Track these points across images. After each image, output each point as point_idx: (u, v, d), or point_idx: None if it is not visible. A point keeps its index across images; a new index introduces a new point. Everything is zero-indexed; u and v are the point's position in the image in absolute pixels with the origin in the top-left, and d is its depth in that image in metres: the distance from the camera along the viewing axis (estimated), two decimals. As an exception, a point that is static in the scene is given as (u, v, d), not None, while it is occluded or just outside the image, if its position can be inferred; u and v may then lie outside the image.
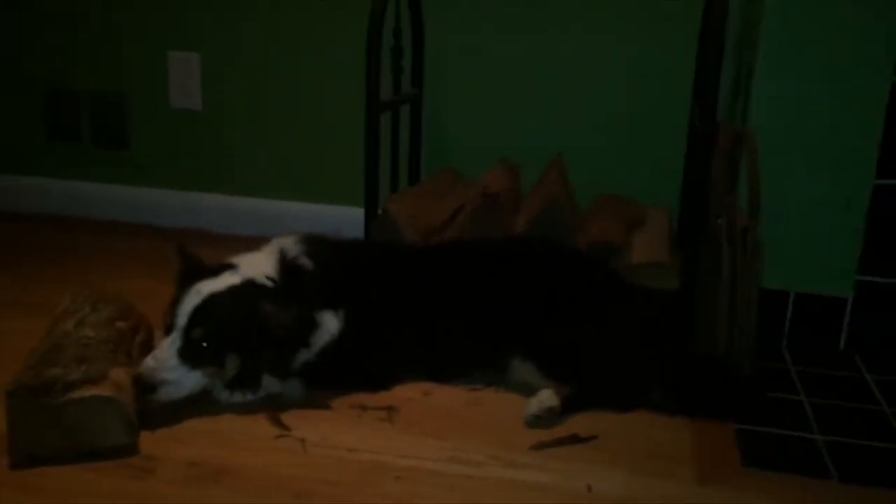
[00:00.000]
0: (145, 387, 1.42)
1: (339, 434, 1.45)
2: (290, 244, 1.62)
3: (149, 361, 1.45)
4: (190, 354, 1.45)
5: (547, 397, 1.51)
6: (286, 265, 1.57)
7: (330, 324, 1.55)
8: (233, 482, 1.31)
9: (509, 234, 1.93)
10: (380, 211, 2.01)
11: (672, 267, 1.83)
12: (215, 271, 1.53)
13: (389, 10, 2.06)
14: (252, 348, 1.49)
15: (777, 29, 1.74)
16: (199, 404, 1.50)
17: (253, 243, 1.69)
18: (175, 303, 1.49)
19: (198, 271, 1.53)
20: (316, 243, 1.65)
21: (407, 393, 1.60)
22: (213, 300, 1.47)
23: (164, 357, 1.44)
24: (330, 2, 2.37)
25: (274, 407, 1.52)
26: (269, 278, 1.53)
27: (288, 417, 1.50)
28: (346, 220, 2.21)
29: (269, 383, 1.54)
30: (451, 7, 2.30)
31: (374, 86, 1.96)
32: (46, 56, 2.60)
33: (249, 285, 1.51)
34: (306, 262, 1.60)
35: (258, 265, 1.56)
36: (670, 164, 2.19)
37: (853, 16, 1.69)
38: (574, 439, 1.46)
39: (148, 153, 2.61)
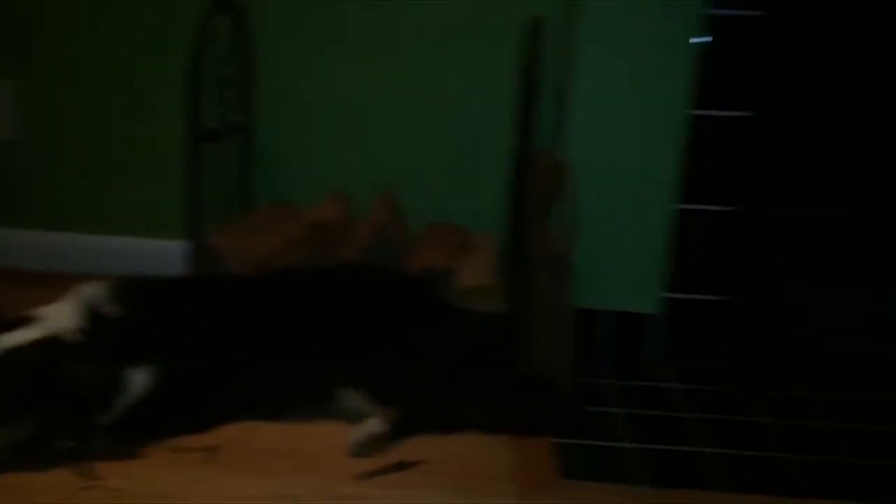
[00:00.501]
0: None
1: (157, 480, 1.39)
2: (96, 291, 1.53)
3: None
4: None
5: (372, 425, 1.52)
6: (92, 316, 1.48)
7: (137, 382, 1.47)
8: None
9: (333, 262, 1.93)
10: (204, 244, 1.96)
11: (497, 290, 1.90)
12: (12, 325, 1.42)
13: (218, 38, 2.03)
14: (49, 411, 1.39)
15: (587, 64, 1.86)
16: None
17: (70, 281, 1.58)
18: None
19: None
20: (125, 287, 1.56)
21: (230, 431, 1.55)
22: (5, 357, 1.37)
23: None
24: (153, 30, 2.30)
25: (79, 454, 1.42)
26: (72, 332, 1.44)
27: (97, 465, 1.41)
28: (172, 253, 2.13)
29: (64, 445, 1.44)
30: (283, 36, 2.29)
31: (195, 115, 1.92)
32: None
33: (49, 341, 1.41)
34: (114, 309, 1.51)
35: (61, 317, 1.46)
36: (496, 193, 2.27)
37: (654, 56, 1.83)
38: (399, 466, 1.48)
39: (-50, 188, 2.42)
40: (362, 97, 2.34)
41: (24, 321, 1.44)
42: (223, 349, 1.58)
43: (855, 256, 1.96)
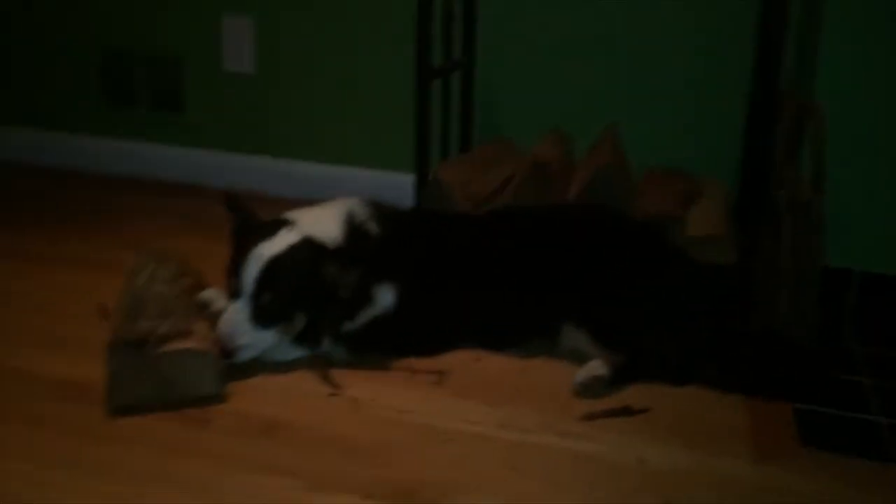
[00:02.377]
0: (224, 353, 1.45)
1: (390, 395, 1.45)
2: (358, 207, 1.61)
3: (223, 328, 1.47)
4: (261, 317, 1.47)
5: (596, 367, 1.50)
6: (353, 228, 1.56)
7: (383, 299, 1.55)
8: (284, 436, 1.32)
9: (563, 203, 1.90)
10: (430, 178, 1.99)
11: (729, 240, 1.79)
12: (271, 229, 1.52)
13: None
14: (316, 306, 1.50)
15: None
16: (253, 361, 1.51)
17: (300, 206, 1.67)
18: (236, 267, 1.49)
19: (253, 229, 1.53)
20: (380, 209, 1.64)
21: (457, 358, 1.59)
22: (275, 264, 1.47)
23: (237, 322, 1.47)
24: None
25: (326, 366, 1.53)
26: (333, 240, 1.52)
27: (339, 377, 1.50)
28: (396, 186, 2.19)
29: (326, 342, 1.55)
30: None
31: (424, 51, 1.94)
32: (103, 19, 2.62)
33: (309, 245, 1.50)
34: (373, 227, 1.59)
35: (321, 223, 1.55)
36: (728, 135, 2.13)
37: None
38: (625, 411, 1.44)
39: (202, 116, 2.62)
40: (584, 34, 2.26)
41: (280, 224, 1.53)
42: (458, 280, 1.62)
43: None
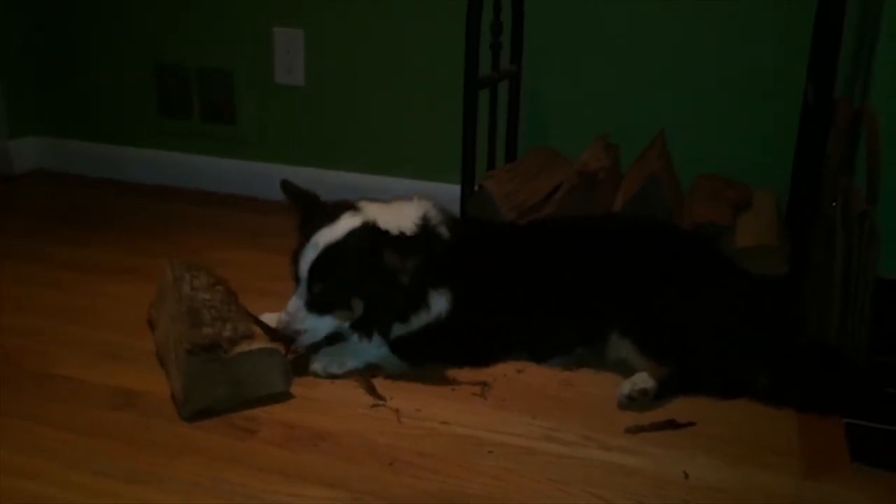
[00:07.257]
0: (284, 339, 1.49)
1: (433, 406, 1.47)
2: (433, 210, 1.61)
3: (283, 316, 1.51)
4: (317, 305, 1.50)
5: (641, 380, 1.48)
6: (427, 229, 1.55)
7: (437, 305, 1.55)
8: (329, 447, 1.35)
9: (609, 212, 1.89)
10: (476, 188, 2.00)
11: (780, 251, 1.75)
12: (336, 213, 1.53)
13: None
14: (375, 292, 1.50)
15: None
16: (299, 371, 1.55)
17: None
18: (297, 254, 1.51)
19: (318, 215, 1.54)
20: (448, 215, 1.64)
21: (500, 370, 1.60)
22: (329, 253, 1.48)
23: (295, 310, 1.51)
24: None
25: (370, 378, 1.55)
26: (403, 233, 1.50)
27: (383, 388, 1.52)
28: (442, 196, 2.19)
29: (376, 342, 1.57)
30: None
31: (473, 61, 1.95)
32: (157, 32, 2.71)
33: (369, 230, 1.50)
34: (444, 232, 1.59)
35: (393, 215, 1.54)
36: (779, 144, 2.09)
37: None
38: (671, 424, 1.42)
39: (253, 128, 2.68)
40: (632, 42, 2.25)
41: (345, 208, 1.54)
42: (508, 290, 1.61)
43: None
